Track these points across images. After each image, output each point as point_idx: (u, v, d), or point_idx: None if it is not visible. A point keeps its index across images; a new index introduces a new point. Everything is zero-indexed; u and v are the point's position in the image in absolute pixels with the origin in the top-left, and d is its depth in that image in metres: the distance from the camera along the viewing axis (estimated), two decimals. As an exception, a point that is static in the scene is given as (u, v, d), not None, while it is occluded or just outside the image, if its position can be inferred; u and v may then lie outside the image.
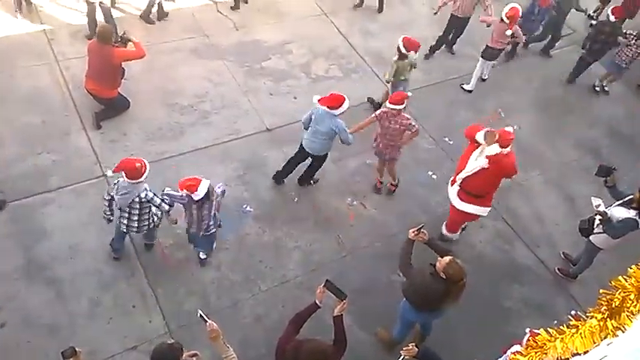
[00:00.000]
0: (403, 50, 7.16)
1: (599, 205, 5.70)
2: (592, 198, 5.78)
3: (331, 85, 8.31)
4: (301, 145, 6.51)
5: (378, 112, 6.44)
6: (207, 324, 3.81)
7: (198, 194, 5.04)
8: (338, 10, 9.68)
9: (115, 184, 5.26)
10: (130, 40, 6.72)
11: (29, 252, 5.80)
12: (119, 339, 5.34)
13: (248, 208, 6.61)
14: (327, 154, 6.63)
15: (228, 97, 7.82)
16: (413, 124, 6.34)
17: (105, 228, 6.09)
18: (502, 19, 8.06)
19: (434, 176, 7.45)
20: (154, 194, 5.27)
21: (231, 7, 9.19)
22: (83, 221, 6.12)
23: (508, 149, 5.71)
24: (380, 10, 9.92)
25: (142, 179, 5.12)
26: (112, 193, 5.28)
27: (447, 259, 4.48)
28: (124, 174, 5.07)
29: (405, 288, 4.87)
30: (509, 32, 8.08)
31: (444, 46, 9.25)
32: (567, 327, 2.65)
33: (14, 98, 7.15)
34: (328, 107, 6.06)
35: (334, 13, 9.60)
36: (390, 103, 6.24)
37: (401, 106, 6.20)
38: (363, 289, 5.94)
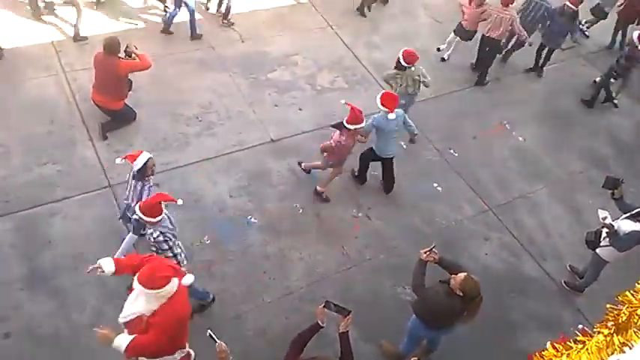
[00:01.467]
0: (403, 63, 7.12)
1: (606, 217, 5.66)
2: (598, 210, 5.75)
3: (336, 96, 8.33)
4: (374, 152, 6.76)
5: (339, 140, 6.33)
6: (217, 344, 3.81)
7: (137, 164, 5.17)
8: (343, 22, 9.73)
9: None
10: (133, 53, 6.76)
11: (33, 262, 5.81)
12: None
13: (252, 219, 6.60)
14: None
15: (234, 109, 7.85)
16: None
17: (109, 238, 6.11)
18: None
19: (438, 188, 7.44)
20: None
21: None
22: (88, 231, 6.13)
23: (166, 290, 3.88)
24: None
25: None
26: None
27: (462, 275, 4.43)
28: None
29: (418, 306, 4.82)
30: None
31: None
32: (574, 342, 2.62)
33: (21, 109, 7.21)
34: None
35: (339, 26, 9.65)
36: (350, 123, 6.13)
37: (360, 125, 6.23)
38: (367, 302, 5.91)
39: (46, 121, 7.11)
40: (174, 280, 3.93)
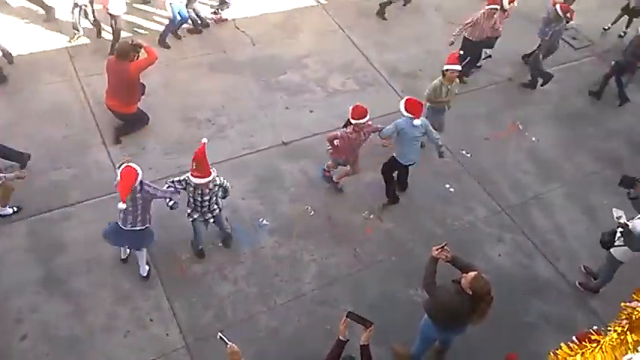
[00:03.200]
0: (455, 68, 6.94)
1: (621, 216, 5.59)
2: (613, 209, 5.68)
3: (347, 98, 8.33)
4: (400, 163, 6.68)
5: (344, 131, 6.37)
6: (228, 346, 3.82)
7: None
8: (354, 24, 9.73)
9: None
10: (140, 46, 6.79)
11: (49, 265, 5.89)
12: (136, 352, 5.36)
13: (264, 222, 6.63)
14: None
15: (245, 112, 7.89)
16: (378, 126, 6.47)
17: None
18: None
19: (451, 189, 7.40)
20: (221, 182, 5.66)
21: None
22: (102, 235, 6.19)
23: None
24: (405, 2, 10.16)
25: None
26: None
27: (472, 274, 4.41)
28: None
29: (429, 306, 4.80)
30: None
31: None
32: (588, 341, 2.59)
33: (36, 114, 7.31)
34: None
35: (350, 28, 9.65)
36: (353, 118, 6.19)
37: (364, 120, 6.20)
38: (379, 304, 5.90)
39: (61, 125, 7.21)
40: None
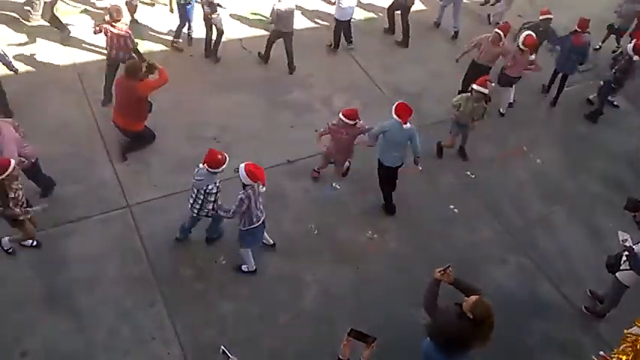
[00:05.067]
0: (482, 90, 7.19)
1: (626, 239, 5.56)
2: (619, 232, 5.66)
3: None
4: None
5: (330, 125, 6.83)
6: None
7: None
8: (358, 45, 9.82)
9: (197, 168, 5.75)
10: (155, 67, 6.88)
11: (51, 281, 5.88)
12: (137, 370, 5.33)
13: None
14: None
15: (251, 130, 7.94)
16: (366, 127, 6.78)
17: (125, 258, 6.18)
18: (520, 48, 8.26)
19: (455, 210, 7.39)
20: (215, 192, 5.79)
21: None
22: (105, 251, 6.20)
23: None
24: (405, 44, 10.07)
25: (218, 170, 5.66)
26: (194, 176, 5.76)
27: (474, 298, 4.35)
28: (206, 163, 5.61)
29: (431, 329, 4.74)
30: (533, 57, 8.37)
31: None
32: (592, 368, 2.56)
33: (44, 130, 7.35)
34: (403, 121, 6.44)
35: (355, 48, 9.74)
36: (344, 116, 6.62)
37: (353, 122, 6.62)
38: (382, 325, 5.82)
39: (68, 142, 7.26)
40: None
